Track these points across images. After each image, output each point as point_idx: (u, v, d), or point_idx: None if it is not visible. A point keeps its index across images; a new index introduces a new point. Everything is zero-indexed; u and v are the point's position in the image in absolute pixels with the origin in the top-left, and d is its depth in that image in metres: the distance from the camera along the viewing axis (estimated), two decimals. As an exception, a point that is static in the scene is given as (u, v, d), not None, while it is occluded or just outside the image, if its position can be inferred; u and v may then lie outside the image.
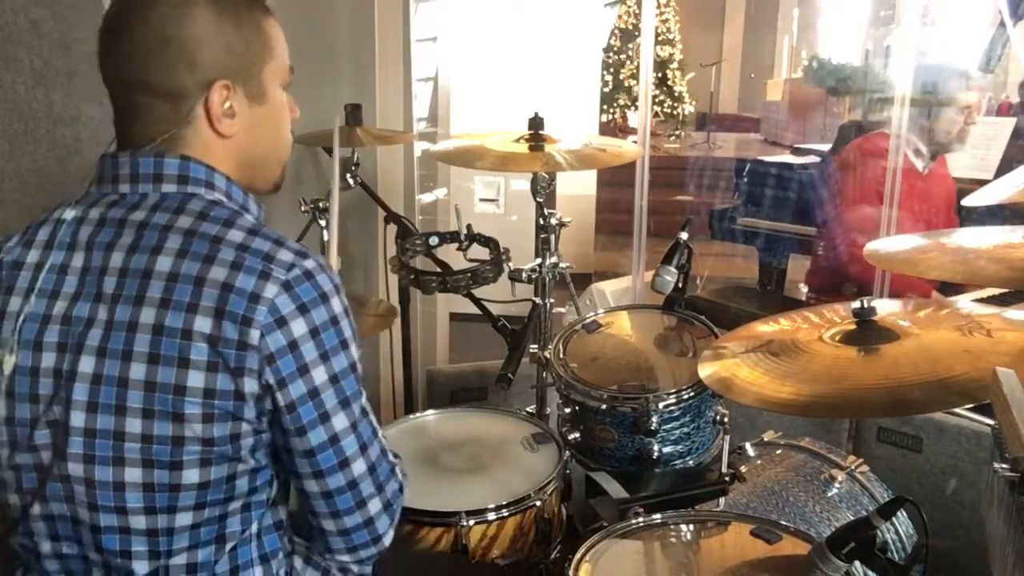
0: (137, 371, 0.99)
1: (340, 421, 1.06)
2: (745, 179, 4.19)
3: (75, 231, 1.06)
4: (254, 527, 1.11)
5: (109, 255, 1.03)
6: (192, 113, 1.06)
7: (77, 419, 1.01)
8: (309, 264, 1.04)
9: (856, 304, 1.45)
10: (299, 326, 1.01)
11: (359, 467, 1.10)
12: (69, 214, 1.08)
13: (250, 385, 1.01)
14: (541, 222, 2.10)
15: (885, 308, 1.50)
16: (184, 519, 1.04)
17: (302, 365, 1.02)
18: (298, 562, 1.18)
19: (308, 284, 1.03)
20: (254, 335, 0.99)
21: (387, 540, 1.17)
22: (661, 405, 1.73)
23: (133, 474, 1.01)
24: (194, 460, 1.02)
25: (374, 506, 1.13)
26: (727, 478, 1.63)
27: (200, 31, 1.04)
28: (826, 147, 4.35)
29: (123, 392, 1.00)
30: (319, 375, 1.04)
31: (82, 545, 1.07)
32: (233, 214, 1.07)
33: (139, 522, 1.04)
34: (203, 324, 0.99)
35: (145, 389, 0.99)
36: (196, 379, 0.99)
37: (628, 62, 9.42)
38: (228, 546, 1.08)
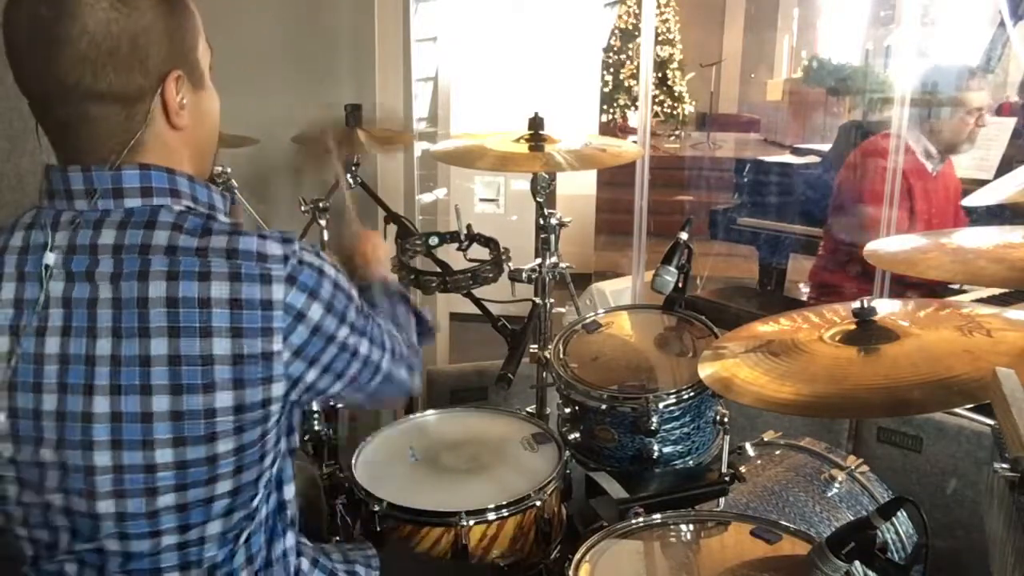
0: (160, 403, 0.97)
1: (364, 346, 1.13)
2: (745, 179, 4.20)
3: (43, 259, 1.00)
4: (263, 513, 1.12)
5: (95, 286, 0.98)
6: (150, 114, 1.00)
7: (102, 459, 0.98)
8: (295, 247, 1.03)
9: (856, 304, 1.45)
10: (315, 310, 1.03)
11: (385, 362, 1.18)
12: (32, 239, 1.01)
13: (278, 388, 1.02)
14: (541, 222, 2.10)
15: (885, 308, 1.49)
16: (215, 527, 1.05)
17: (328, 336, 1.06)
18: (305, 564, 1.18)
19: (306, 269, 1.03)
20: (277, 342, 1.00)
21: (414, 383, 1.28)
22: (661, 405, 1.73)
23: (167, 499, 1.01)
24: (228, 472, 1.02)
25: (401, 373, 1.23)
26: (727, 478, 1.63)
27: (147, 24, 0.97)
28: (826, 147, 4.35)
29: (149, 427, 0.97)
30: (343, 332, 1.08)
31: (104, 572, 1.06)
32: (207, 220, 1.02)
33: (171, 539, 1.03)
34: (222, 347, 0.97)
35: (172, 419, 0.98)
36: (225, 399, 0.99)
37: (628, 62, 9.41)
38: (243, 537, 1.09)
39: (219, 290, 0.97)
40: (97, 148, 1.00)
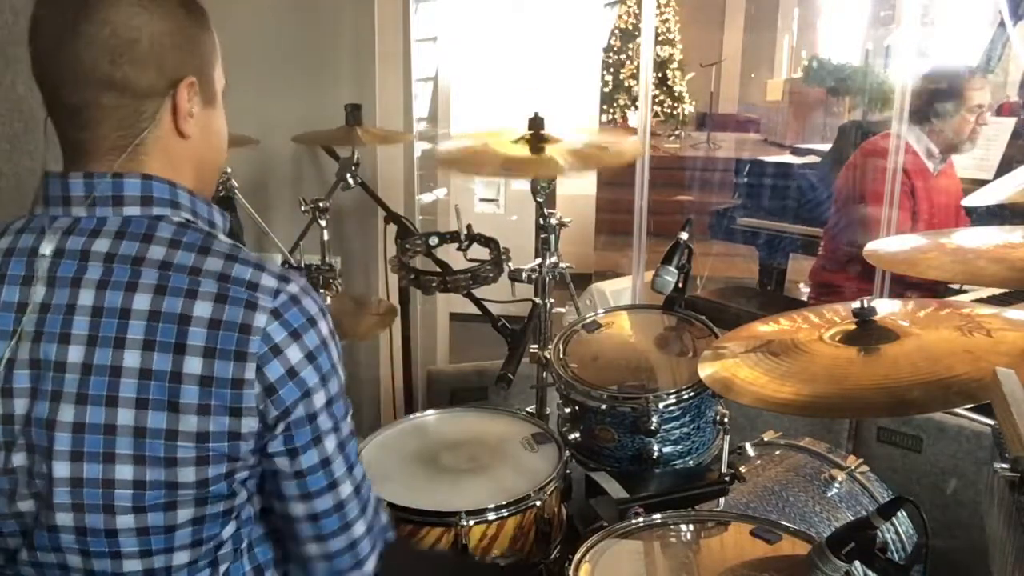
0: (125, 417, 0.94)
1: (331, 442, 1.05)
2: (745, 179, 4.20)
3: (29, 262, 0.98)
4: (244, 543, 1.09)
5: (76, 292, 0.96)
6: (158, 114, 1.01)
7: (61, 469, 0.96)
8: (293, 288, 1.00)
9: (856, 304, 1.45)
10: (294, 352, 0.98)
11: (346, 488, 1.08)
12: (19, 243, 1.00)
13: (248, 425, 0.97)
14: (541, 222, 2.10)
15: (885, 308, 1.50)
16: (181, 557, 1.02)
17: (305, 391, 1.00)
18: (292, 568, 1.17)
19: (295, 309, 0.99)
20: (250, 369, 0.96)
21: (369, 567, 1.14)
22: (661, 405, 1.73)
23: (125, 520, 0.97)
24: (188, 501, 0.99)
25: (359, 528, 1.11)
26: (727, 478, 1.63)
27: (168, 28, 0.99)
28: (826, 147, 4.35)
29: (111, 440, 0.95)
30: (318, 399, 1.02)
31: None
32: (207, 238, 1.01)
33: (135, 565, 1.00)
34: (193, 365, 0.94)
35: (135, 435, 0.95)
36: (188, 423, 0.95)
37: (628, 62, 9.42)
38: (222, 569, 1.06)
39: (202, 309, 0.95)
40: (102, 140, 1.00)
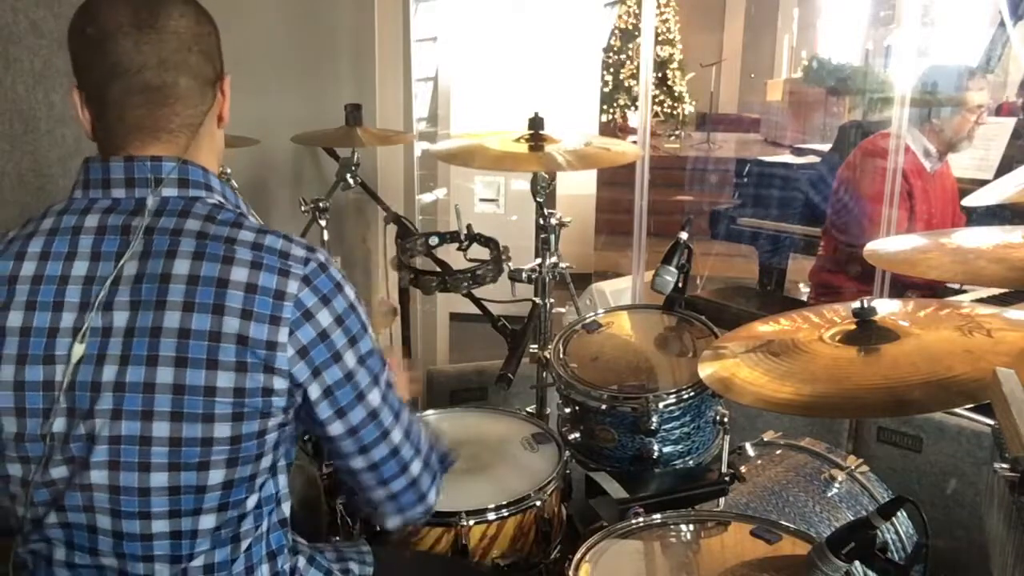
0: (164, 375, 1.00)
1: (374, 396, 1.11)
2: (745, 179, 4.20)
3: (73, 240, 1.04)
4: (264, 524, 1.12)
5: (120, 264, 1.02)
6: (215, 100, 1.12)
7: (101, 428, 1.01)
8: (320, 257, 1.08)
9: (856, 304, 1.45)
10: (325, 316, 1.05)
11: (397, 434, 1.15)
12: (62, 223, 1.06)
13: (280, 382, 1.03)
14: (541, 222, 2.10)
15: (885, 308, 1.50)
16: (208, 521, 1.05)
17: (335, 352, 1.06)
18: (301, 562, 1.19)
19: (324, 276, 1.07)
20: (283, 333, 1.02)
21: (432, 498, 1.22)
22: (661, 405, 1.74)
23: (159, 479, 1.02)
24: (221, 460, 1.03)
25: (415, 467, 1.18)
26: (727, 478, 1.63)
27: (213, 31, 1.12)
28: (826, 147, 4.35)
29: (150, 398, 1.00)
30: (350, 359, 1.08)
31: (98, 554, 1.06)
32: (238, 216, 1.09)
33: (163, 526, 1.04)
34: (231, 325, 1.00)
35: (174, 393, 1.00)
36: (226, 379, 1.00)
37: (628, 62, 9.41)
38: (243, 545, 1.10)
39: (239, 274, 1.02)
40: (174, 118, 1.08)
